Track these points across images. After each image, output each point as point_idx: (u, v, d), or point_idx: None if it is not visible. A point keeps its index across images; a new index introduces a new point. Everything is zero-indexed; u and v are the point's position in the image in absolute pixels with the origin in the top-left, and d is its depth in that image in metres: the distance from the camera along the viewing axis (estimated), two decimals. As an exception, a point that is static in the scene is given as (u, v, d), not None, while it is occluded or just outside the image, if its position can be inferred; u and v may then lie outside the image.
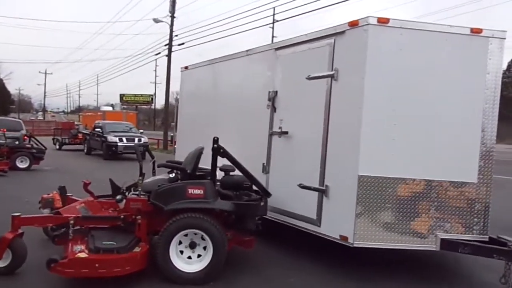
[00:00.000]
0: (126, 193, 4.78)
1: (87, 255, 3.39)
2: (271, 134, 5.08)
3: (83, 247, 3.58)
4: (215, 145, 3.98)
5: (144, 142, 18.21)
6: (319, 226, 4.31)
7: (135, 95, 57.16)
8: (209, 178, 4.05)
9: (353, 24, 4.05)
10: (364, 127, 3.90)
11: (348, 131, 4.04)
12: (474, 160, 4.03)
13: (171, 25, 22.68)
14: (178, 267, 3.68)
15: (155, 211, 3.86)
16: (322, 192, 4.28)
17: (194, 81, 6.99)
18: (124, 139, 17.46)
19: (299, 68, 4.70)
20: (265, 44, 5.41)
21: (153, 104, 60.76)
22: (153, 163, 4.75)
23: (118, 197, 3.93)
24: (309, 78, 4.47)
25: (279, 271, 4.18)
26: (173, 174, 4.09)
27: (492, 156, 4.05)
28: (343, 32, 4.17)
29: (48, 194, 5.97)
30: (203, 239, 3.79)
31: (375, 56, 3.89)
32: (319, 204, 4.33)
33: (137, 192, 3.99)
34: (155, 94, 59.99)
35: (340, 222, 4.08)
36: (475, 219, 4.08)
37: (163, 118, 29.54)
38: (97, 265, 3.35)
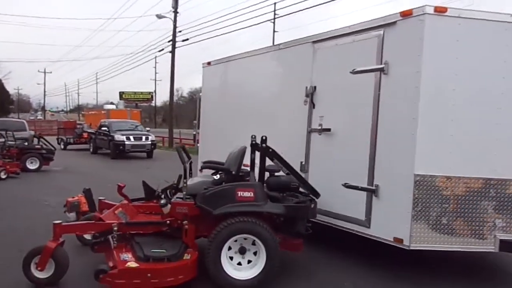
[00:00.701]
0: (162, 196, 4.59)
1: (138, 265, 3.19)
2: (310, 132, 4.88)
3: (130, 255, 3.37)
4: (264, 145, 3.76)
5: (152, 141, 18.04)
6: (369, 227, 4.11)
7: (134, 93, 56.79)
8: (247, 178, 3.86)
9: (406, 14, 3.83)
10: (420, 124, 3.70)
11: (402, 128, 3.83)
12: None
13: (175, 21, 22.38)
14: (230, 274, 3.48)
15: (202, 215, 3.66)
16: (372, 192, 4.08)
17: (218, 77, 6.75)
18: (131, 137, 17.24)
19: (342, 62, 4.49)
20: (300, 37, 5.17)
21: (153, 101, 60.41)
22: (190, 163, 4.53)
23: (162, 201, 3.72)
24: (354, 72, 4.26)
25: (331, 275, 3.99)
26: (218, 176, 3.88)
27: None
28: (394, 23, 3.95)
29: (73, 198, 5.78)
30: (253, 244, 3.59)
31: (431, 48, 3.68)
32: (368, 205, 4.14)
33: (181, 196, 3.78)
34: (155, 91, 59.60)
35: (393, 224, 3.88)
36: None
37: (165, 115, 29.28)
38: (149, 275, 3.16)
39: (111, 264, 3.38)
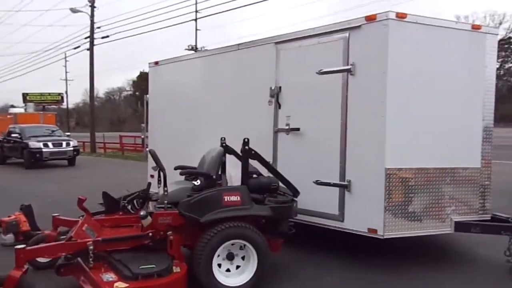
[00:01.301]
0: (129, 207, 4.28)
1: (127, 285, 2.93)
2: (276, 131, 4.93)
3: (112, 275, 3.09)
4: (246, 147, 3.71)
5: (74, 146, 16.64)
6: (343, 221, 4.30)
7: (41, 94, 51.55)
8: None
9: (371, 19, 4.07)
10: (388, 121, 3.96)
11: (371, 125, 4.07)
12: (478, 147, 4.35)
13: (92, 16, 20.85)
14: (222, 282, 3.38)
15: (186, 224, 3.49)
16: (344, 187, 4.27)
17: (169, 78, 6.46)
18: (49, 144, 15.71)
19: (307, 63, 4.61)
20: (260, 38, 5.18)
21: (63, 103, 55.49)
22: (159, 170, 4.27)
23: (142, 213, 3.45)
24: (321, 73, 4.41)
25: (312, 271, 4.09)
26: (198, 181, 3.72)
27: (491, 143, 4.41)
28: (359, 27, 4.16)
29: (9, 217, 5.13)
30: (241, 248, 3.53)
31: (395, 50, 3.95)
32: (340, 200, 4.33)
33: (162, 205, 3.55)
34: (67, 92, 54.76)
35: (367, 216, 4.11)
36: (480, 201, 4.41)
37: (78, 118, 27.18)
38: (143, 293, 2.92)
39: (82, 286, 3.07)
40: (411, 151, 4.08)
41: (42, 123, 22.18)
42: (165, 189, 3.50)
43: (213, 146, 5.40)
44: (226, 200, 3.48)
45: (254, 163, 4.00)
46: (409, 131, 4.05)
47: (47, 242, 3.94)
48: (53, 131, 17.86)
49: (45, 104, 51.46)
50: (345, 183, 4.25)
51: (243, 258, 3.56)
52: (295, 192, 3.94)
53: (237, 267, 3.55)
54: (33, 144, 15.43)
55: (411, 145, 4.07)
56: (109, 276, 3.06)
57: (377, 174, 4.01)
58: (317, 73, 4.42)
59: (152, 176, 6.70)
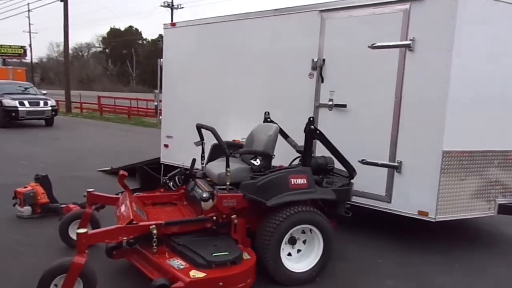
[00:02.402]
0: (170, 184, 4.01)
1: (204, 274, 2.73)
2: (317, 107, 4.70)
3: (181, 262, 2.86)
4: (312, 126, 3.47)
5: (52, 106, 15.69)
6: (390, 202, 4.23)
7: (1, 46, 47.89)
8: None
9: (438, -9, 3.81)
10: (450, 103, 3.82)
11: (430, 106, 3.91)
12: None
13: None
14: (289, 268, 3.24)
15: (249, 207, 3.28)
16: (394, 168, 4.16)
17: (191, 42, 5.95)
18: (25, 102, 14.72)
19: (357, 35, 4.34)
20: (302, 4, 4.81)
21: (26, 57, 51.92)
22: (203, 145, 4.00)
23: (205, 195, 3.19)
24: (374, 47, 4.16)
25: (363, 254, 4.03)
26: (258, 161, 3.48)
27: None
28: (422, -1, 3.90)
29: (25, 187, 4.75)
30: (302, 232, 3.39)
31: (462, 26, 3.74)
32: (389, 180, 4.23)
33: (224, 187, 3.30)
34: (30, 45, 51.12)
35: (418, 198, 4.05)
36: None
37: (43, 74, 25.54)
38: (221, 283, 2.73)
39: (153, 275, 2.84)
40: (468, 133, 3.98)
41: (12, 78, 20.70)
42: (228, 169, 3.24)
43: (245, 119, 5.16)
44: (292, 182, 3.28)
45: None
46: (468, 113, 3.92)
47: (84, 219, 3.67)
48: (26, 88, 16.71)
49: (5, 57, 48.08)
50: (396, 164, 4.14)
51: (304, 242, 3.42)
52: (353, 173, 3.78)
53: (298, 251, 3.41)
54: (8, 102, 14.41)
55: (469, 127, 3.96)
56: (178, 263, 2.84)
57: (433, 157, 3.91)
58: (369, 47, 4.17)
59: (166, 145, 6.38)
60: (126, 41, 73.56)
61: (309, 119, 3.48)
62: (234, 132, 5.30)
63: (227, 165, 3.26)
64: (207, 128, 3.43)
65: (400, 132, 4.12)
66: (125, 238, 2.92)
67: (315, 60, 4.63)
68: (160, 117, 6.49)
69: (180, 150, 6.15)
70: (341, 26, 4.49)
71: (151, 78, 75.29)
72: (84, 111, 22.99)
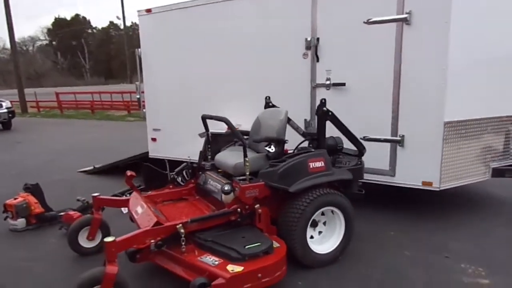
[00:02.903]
0: (178, 180, 3.89)
1: (242, 267, 2.68)
2: (314, 87, 4.68)
3: (214, 257, 2.80)
4: (325, 108, 3.45)
5: (8, 108, 14.75)
6: (394, 176, 4.34)
7: None
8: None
9: (432, -38, 3.84)
10: (449, 74, 3.91)
11: (430, 79, 3.98)
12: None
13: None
14: (315, 251, 3.26)
15: (270, 195, 3.25)
16: (396, 142, 4.25)
17: (170, 28, 5.68)
18: (-21, 105, 13.73)
19: (351, 11, 4.32)
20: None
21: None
22: (208, 136, 3.88)
23: (227, 187, 3.11)
24: (370, 23, 4.16)
25: (374, 227, 4.13)
26: (272, 148, 3.42)
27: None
28: (418, -29, 3.91)
29: (16, 199, 4.47)
30: (322, 214, 3.41)
31: (459, -3, 3.80)
32: (392, 155, 4.33)
33: (243, 177, 3.23)
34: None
35: (421, 169, 4.17)
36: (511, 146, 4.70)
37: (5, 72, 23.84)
38: (259, 275, 2.70)
39: (186, 274, 2.77)
40: (466, 102, 4.11)
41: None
42: (246, 159, 3.17)
43: (237, 105, 5.07)
44: (311, 166, 3.27)
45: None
46: (467, 83, 4.04)
47: (94, 226, 3.51)
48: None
49: None
50: (398, 138, 4.23)
51: (324, 223, 3.45)
52: (363, 150, 3.81)
53: (319, 233, 3.44)
54: (-40, 106, 13.38)
55: (467, 96, 4.08)
56: (211, 259, 2.77)
57: (435, 128, 4.02)
58: (364, 22, 4.17)
59: (153, 139, 6.18)
60: (74, 31, 69.82)
61: (321, 101, 3.45)
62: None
63: (245, 155, 3.18)
64: (218, 118, 3.32)
65: (401, 106, 4.19)
66: (152, 241, 2.81)
67: (309, 39, 4.58)
68: (144, 110, 6.24)
69: (169, 143, 5.97)
70: (334, 2, 4.44)
71: (106, 69, 72.27)
72: (41, 110, 21.76)
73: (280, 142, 3.46)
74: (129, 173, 3.57)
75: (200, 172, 3.84)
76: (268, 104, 4.25)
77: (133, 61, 7.43)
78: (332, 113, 3.52)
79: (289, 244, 3.13)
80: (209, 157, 3.93)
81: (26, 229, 4.37)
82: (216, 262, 2.74)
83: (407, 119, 4.18)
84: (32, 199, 4.44)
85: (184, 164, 3.94)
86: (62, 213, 4.32)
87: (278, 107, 4.17)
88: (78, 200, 4.87)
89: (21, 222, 4.34)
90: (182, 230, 2.85)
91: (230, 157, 3.55)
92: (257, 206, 3.16)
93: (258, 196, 3.17)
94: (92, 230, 3.58)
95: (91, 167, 7.30)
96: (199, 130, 5.50)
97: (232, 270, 2.64)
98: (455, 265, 3.36)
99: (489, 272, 3.23)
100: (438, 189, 4.12)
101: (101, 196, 3.66)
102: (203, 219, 3.02)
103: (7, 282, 3.24)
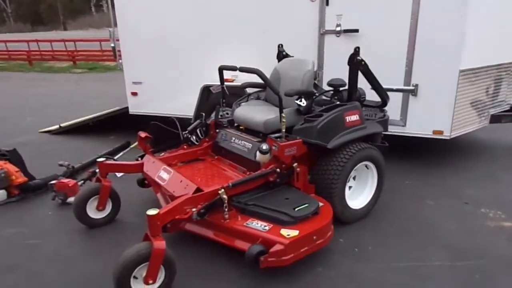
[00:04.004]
0: (192, 139, 3.56)
1: (297, 231, 2.52)
2: (323, 34, 4.39)
3: (261, 222, 2.61)
4: (358, 57, 3.21)
5: None
6: (404, 126, 4.31)
7: None
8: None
9: None
10: (468, 22, 3.81)
11: (449, 27, 3.86)
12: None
13: None
14: (351, 206, 3.18)
15: (307, 153, 3.05)
16: (409, 91, 4.18)
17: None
18: None
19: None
20: None
21: None
22: (224, 90, 3.53)
23: (265, 147, 2.84)
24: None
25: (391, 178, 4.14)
26: (303, 102, 3.16)
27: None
28: None
29: (-10, 168, 3.89)
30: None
31: None
32: (404, 105, 4.27)
33: (278, 134, 2.98)
34: None
35: (433, 118, 4.17)
36: (507, 93, 4.85)
37: None
38: (314, 237, 2.56)
39: (233, 243, 2.58)
40: (485, 50, 4.12)
41: None
42: (283, 115, 2.90)
43: (237, 55, 4.66)
44: (347, 120, 3.09)
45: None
46: (483, 31, 3.99)
47: (104, 194, 3.14)
48: None
49: None
50: (411, 87, 4.16)
51: (354, 178, 3.35)
52: (387, 100, 3.67)
53: (349, 188, 3.35)
54: None
55: (478, 45, 4.05)
56: (260, 225, 2.57)
57: (450, 76, 3.98)
58: (381, -37, 3.88)
59: (134, 93, 5.64)
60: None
61: (355, 49, 3.20)
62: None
63: (281, 110, 2.91)
64: (248, 70, 2.96)
65: (416, 55, 4.07)
66: (194, 209, 2.53)
67: (318, -20, 4.21)
68: (120, 60, 5.58)
69: (154, 97, 5.46)
70: None
71: (32, 13, 64.78)
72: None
73: (310, 95, 3.21)
74: (143, 134, 3.17)
75: (218, 130, 3.52)
76: (282, 53, 3.92)
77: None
78: (365, 63, 3.30)
79: (329, 201, 3.00)
80: (222, 112, 3.59)
81: (8, 202, 3.83)
82: (267, 227, 2.55)
83: (421, 68, 4.09)
84: (11, 167, 3.87)
85: (198, 121, 3.57)
86: (53, 181, 3.82)
87: (293, 56, 3.86)
88: (61, 165, 4.36)
89: (1, 194, 3.79)
90: (224, 196, 2.60)
91: (256, 112, 3.26)
92: (295, 165, 2.96)
93: (296, 154, 2.96)
94: (102, 200, 3.20)
95: (56, 127, 6.57)
96: (189, 82, 5.11)
97: (288, 235, 2.47)
98: (476, 211, 3.48)
99: (508, 215, 3.38)
100: (448, 137, 4.17)
101: (108, 162, 3.25)
102: (243, 182, 2.77)
103: (20, 262, 2.83)
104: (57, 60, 17.79)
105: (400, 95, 4.23)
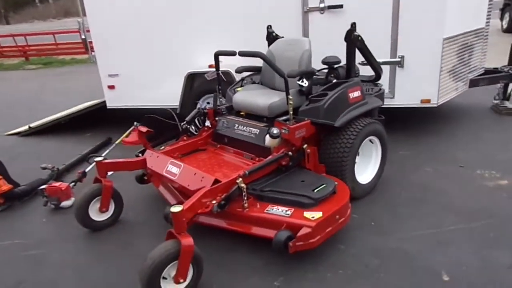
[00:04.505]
0: (191, 129, 3.45)
1: (321, 212, 2.51)
2: (306, 12, 4.32)
3: (282, 207, 2.57)
4: (355, 33, 3.18)
5: None
6: (393, 97, 4.39)
7: None
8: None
9: None
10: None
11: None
12: (485, 8, 4.78)
13: None
14: (360, 182, 3.22)
15: (314, 133, 3.03)
16: (396, 63, 4.24)
17: None
18: None
19: None
20: None
21: None
22: (219, 75, 3.41)
23: (275, 131, 2.78)
24: None
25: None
26: (306, 82, 3.11)
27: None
28: None
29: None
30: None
31: None
32: (391, 77, 4.34)
33: (286, 117, 2.92)
34: None
35: (420, 88, 4.28)
36: (481, 57, 5.04)
37: None
38: (337, 216, 2.57)
39: (256, 231, 2.55)
40: (458, 18, 4.20)
41: None
42: (290, 98, 2.85)
43: (216, 38, 4.53)
44: (351, 97, 3.09)
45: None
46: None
47: (106, 194, 3.00)
48: None
49: None
50: (398, 59, 4.21)
51: (357, 154, 3.38)
52: (380, 74, 3.69)
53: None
54: None
55: (458, 12, 4.16)
56: (280, 210, 2.54)
57: (435, 45, 4.08)
58: None
59: (111, 87, 5.37)
60: None
61: (352, 25, 3.17)
62: (206, 56, 4.66)
63: (288, 92, 2.86)
64: (249, 54, 2.86)
65: (401, 26, 4.11)
66: (214, 201, 2.46)
67: (298, -44, 4.12)
68: (93, 53, 5.26)
69: (133, 89, 5.22)
70: None
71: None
72: None
73: (311, 74, 3.17)
74: (143, 128, 3.01)
75: (217, 118, 3.41)
76: (272, 34, 3.82)
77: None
78: (362, 38, 3.28)
79: (341, 180, 3.01)
80: (220, 98, 3.48)
81: (-4, 211, 3.58)
82: (289, 212, 2.52)
83: (406, 39, 4.15)
84: (-6, 176, 3.60)
85: (196, 110, 3.44)
86: (43, 186, 3.59)
87: (283, 37, 3.79)
88: (44, 168, 4.10)
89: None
90: (242, 185, 2.54)
91: (258, 97, 3.19)
92: (305, 146, 2.94)
93: (305, 136, 2.93)
94: (105, 200, 3.04)
95: (25, 128, 6.17)
96: (170, 70, 4.92)
97: (313, 217, 2.46)
98: (472, 173, 3.63)
99: (502, 174, 3.56)
100: (436, 105, 4.30)
101: (107, 160, 3.08)
102: (259, 168, 2.72)
103: (27, 275, 2.65)
104: (6, 57, 16.59)
105: (387, 68, 4.28)
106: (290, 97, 2.85)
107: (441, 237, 2.71)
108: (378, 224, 2.92)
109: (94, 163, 3.92)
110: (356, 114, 3.07)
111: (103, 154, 4.41)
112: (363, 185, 3.25)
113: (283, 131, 2.83)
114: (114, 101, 5.42)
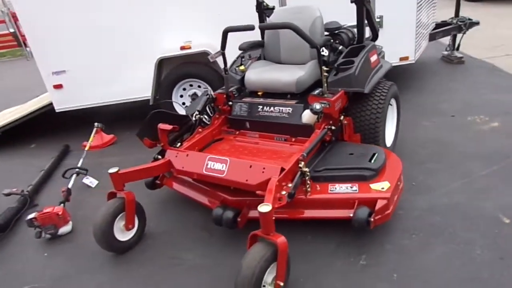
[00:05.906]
0: (204, 118, 3.11)
1: (386, 181, 2.43)
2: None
3: (345, 185, 2.44)
4: (360, -5, 3.05)
5: None
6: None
7: None
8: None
9: None
10: None
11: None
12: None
13: None
14: (387, 145, 3.21)
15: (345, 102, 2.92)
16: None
17: None
18: None
19: None
20: None
21: None
22: (224, 54, 3.06)
23: (318, 106, 2.56)
24: None
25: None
26: (325, 51, 2.93)
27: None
28: None
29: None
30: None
31: None
32: (371, 38, 4.36)
33: (319, 90, 2.74)
34: None
35: (398, 47, 4.41)
36: (433, 12, 5.34)
37: None
38: (399, 182, 2.50)
39: (318, 215, 2.41)
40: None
41: None
42: (325, 68, 2.67)
43: (184, 17, 4.11)
44: (372, 61, 3.02)
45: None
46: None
47: (130, 209, 2.60)
48: None
49: None
50: (377, 19, 4.23)
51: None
52: (378, 33, 3.65)
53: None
54: None
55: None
56: (345, 188, 2.41)
57: (410, 3, 4.18)
58: None
59: (58, 86, 4.62)
60: None
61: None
62: (173, 38, 4.23)
63: (321, 64, 2.67)
64: (276, 26, 2.60)
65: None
66: (283, 192, 2.23)
67: None
68: (28, 48, 4.40)
69: (88, 84, 4.53)
70: None
71: None
72: None
73: (329, 42, 3.01)
74: (167, 126, 2.59)
75: (231, 102, 3.09)
76: (262, 4, 3.53)
77: None
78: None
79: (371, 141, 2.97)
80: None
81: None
82: (355, 188, 2.41)
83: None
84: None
85: (205, 97, 3.06)
86: (31, 216, 2.94)
87: (273, 7, 3.54)
88: (8, 194, 3.41)
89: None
90: (305, 169, 2.34)
91: (280, 73, 2.95)
92: (342, 117, 2.82)
93: (341, 107, 2.80)
94: (130, 216, 2.61)
95: None
96: (133, 57, 4.38)
97: (383, 188, 2.38)
98: (465, 120, 3.88)
99: (490, 117, 3.86)
100: (413, 61, 4.47)
101: (123, 170, 2.61)
102: (312, 148, 2.52)
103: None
104: None
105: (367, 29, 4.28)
106: (325, 68, 2.67)
107: (477, 184, 2.85)
108: (418, 184, 2.96)
109: (74, 178, 3.40)
110: (378, 78, 3.01)
111: (78, 165, 3.77)
112: (389, 148, 3.25)
113: (323, 105, 2.65)
114: (63, 102, 4.66)
